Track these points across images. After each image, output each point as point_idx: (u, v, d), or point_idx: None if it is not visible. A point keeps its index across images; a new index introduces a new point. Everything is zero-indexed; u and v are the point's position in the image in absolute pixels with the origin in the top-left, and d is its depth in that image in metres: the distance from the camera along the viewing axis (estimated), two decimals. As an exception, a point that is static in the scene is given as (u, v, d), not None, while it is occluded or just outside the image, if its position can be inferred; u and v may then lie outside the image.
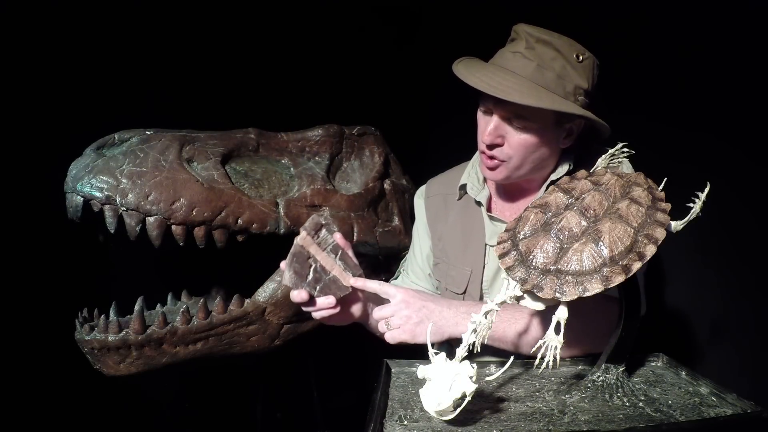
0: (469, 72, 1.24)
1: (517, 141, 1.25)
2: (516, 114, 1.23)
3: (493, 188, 1.46)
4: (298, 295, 1.17)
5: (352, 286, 1.20)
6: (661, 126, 1.80)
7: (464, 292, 1.42)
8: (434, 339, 1.19)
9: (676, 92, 1.79)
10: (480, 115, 1.31)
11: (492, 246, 1.38)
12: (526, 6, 1.49)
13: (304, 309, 1.21)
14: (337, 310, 1.20)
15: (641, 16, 1.82)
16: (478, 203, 1.43)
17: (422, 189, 1.60)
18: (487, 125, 1.26)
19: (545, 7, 1.54)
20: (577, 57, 1.24)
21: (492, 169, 1.31)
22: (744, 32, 1.66)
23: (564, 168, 1.34)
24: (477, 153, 1.41)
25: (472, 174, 1.46)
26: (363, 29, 2.30)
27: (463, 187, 1.46)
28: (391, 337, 1.21)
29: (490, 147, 1.28)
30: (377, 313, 1.22)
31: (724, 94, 1.70)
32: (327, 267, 1.19)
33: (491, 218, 1.40)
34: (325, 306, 1.19)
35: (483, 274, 1.40)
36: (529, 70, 1.22)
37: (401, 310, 1.19)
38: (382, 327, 1.22)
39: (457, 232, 1.46)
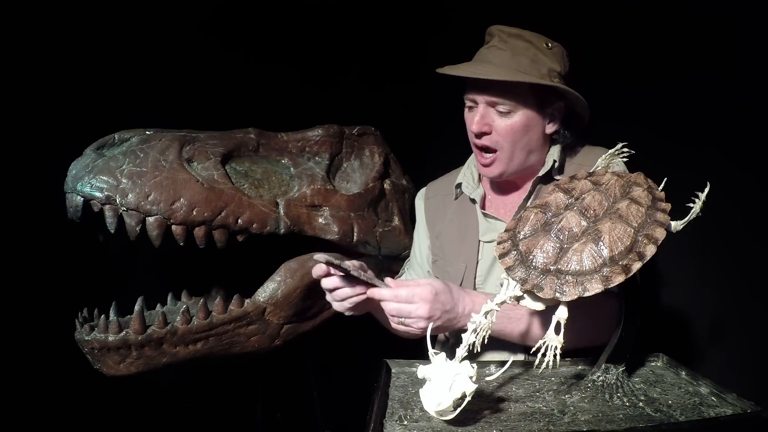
0: (451, 68, 1.32)
1: (503, 127, 1.32)
2: (498, 98, 1.29)
3: (488, 186, 1.50)
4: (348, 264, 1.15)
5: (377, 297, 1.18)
6: (660, 126, 1.80)
7: None
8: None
9: (675, 93, 1.79)
10: (466, 112, 1.38)
11: (486, 242, 1.43)
12: (527, 14, 1.49)
13: (333, 296, 1.20)
14: (365, 296, 1.18)
15: (637, 21, 1.82)
16: (473, 201, 1.47)
17: (422, 191, 1.65)
18: (474, 117, 1.33)
19: (543, 17, 1.55)
20: (547, 45, 1.33)
21: (488, 165, 1.37)
22: (741, 34, 1.66)
23: (549, 163, 1.38)
24: (472, 154, 1.46)
25: (467, 174, 1.51)
26: (363, 29, 2.30)
27: (459, 186, 1.50)
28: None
29: (479, 136, 1.34)
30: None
31: (723, 94, 1.70)
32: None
33: (485, 215, 1.45)
34: (356, 294, 1.18)
35: (476, 270, 1.43)
36: (504, 58, 1.31)
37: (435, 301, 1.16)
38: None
39: (453, 230, 1.50)
